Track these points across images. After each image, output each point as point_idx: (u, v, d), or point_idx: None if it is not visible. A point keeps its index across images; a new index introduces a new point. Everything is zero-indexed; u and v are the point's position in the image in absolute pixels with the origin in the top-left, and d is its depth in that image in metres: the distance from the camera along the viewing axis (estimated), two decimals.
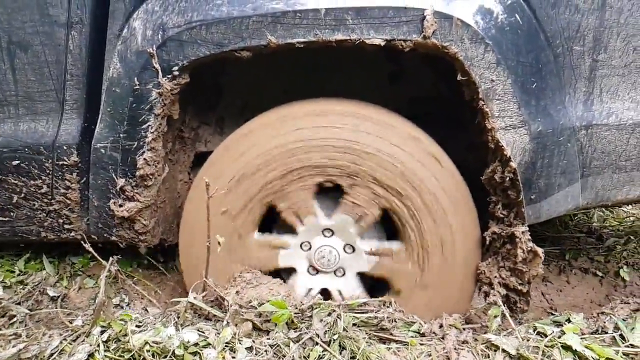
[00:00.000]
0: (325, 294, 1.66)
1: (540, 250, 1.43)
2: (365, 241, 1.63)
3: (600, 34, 1.39)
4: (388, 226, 1.65)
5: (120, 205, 1.56)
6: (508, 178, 1.42)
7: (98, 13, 1.41)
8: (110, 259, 1.58)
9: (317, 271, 1.65)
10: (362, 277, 1.65)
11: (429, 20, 1.29)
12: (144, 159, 1.48)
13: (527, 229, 1.45)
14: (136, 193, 1.54)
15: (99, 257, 1.58)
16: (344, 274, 1.65)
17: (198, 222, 1.57)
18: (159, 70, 1.38)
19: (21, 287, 1.85)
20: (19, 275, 1.93)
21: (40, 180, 1.57)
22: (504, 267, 1.52)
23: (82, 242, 1.55)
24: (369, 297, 1.60)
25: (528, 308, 1.53)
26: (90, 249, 1.53)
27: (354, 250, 1.62)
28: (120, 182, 1.52)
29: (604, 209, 2.83)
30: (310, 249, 1.63)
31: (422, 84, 1.84)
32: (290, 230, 1.64)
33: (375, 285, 1.69)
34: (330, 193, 1.61)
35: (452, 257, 1.54)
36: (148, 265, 2.16)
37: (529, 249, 1.44)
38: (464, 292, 1.60)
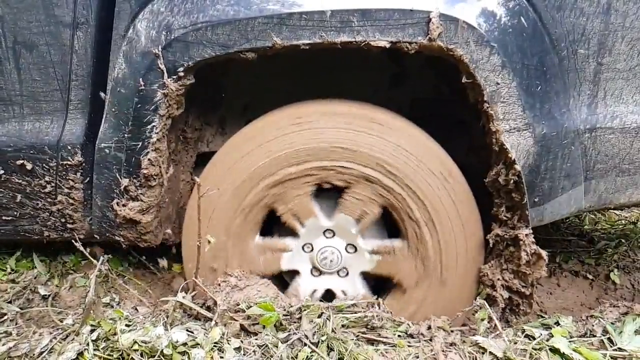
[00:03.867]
0: None
1: (543, 253, 1.43)
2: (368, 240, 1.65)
3: (605, 37, 1.40)
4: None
5: (124, 205, 1.56)
6: (512, 181, 1.42)
7: (103, 14, 1.41)
8: (101, 258, 1.58)
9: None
10: None
11: (434, 23, 1.29)
12: (149, 159, 1.48)
13: (531, 231, 1.45)
14: (140, 193, 1.54)
15: (89, 256, 1.57)
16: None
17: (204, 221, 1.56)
18: (164, 71, 1.38)
19: (12, 285, 1.85)
20: (10, 273, 1.93)
21: (44, 180, 1.57)
22: (507, 270, 1.52)
23: (73, 240, 1.55)
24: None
25: (531, 310, 1.53)
26: (81, 248, 1.53)
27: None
28: (124, 182, 1.52)
29: (595, 212, 2.82)
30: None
31: (425, 86, 1.84)
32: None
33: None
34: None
35: (454, 260, 1.55)
36: (139, 264, 2.16)
37: (533, 251, 1.44)
38: (466, 294, 1.60)
